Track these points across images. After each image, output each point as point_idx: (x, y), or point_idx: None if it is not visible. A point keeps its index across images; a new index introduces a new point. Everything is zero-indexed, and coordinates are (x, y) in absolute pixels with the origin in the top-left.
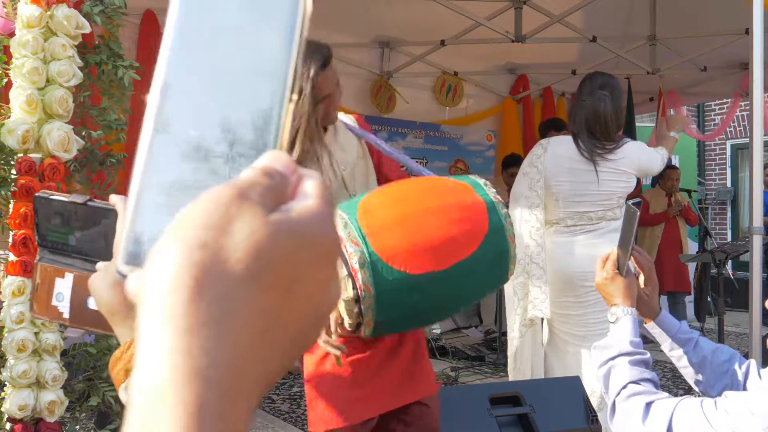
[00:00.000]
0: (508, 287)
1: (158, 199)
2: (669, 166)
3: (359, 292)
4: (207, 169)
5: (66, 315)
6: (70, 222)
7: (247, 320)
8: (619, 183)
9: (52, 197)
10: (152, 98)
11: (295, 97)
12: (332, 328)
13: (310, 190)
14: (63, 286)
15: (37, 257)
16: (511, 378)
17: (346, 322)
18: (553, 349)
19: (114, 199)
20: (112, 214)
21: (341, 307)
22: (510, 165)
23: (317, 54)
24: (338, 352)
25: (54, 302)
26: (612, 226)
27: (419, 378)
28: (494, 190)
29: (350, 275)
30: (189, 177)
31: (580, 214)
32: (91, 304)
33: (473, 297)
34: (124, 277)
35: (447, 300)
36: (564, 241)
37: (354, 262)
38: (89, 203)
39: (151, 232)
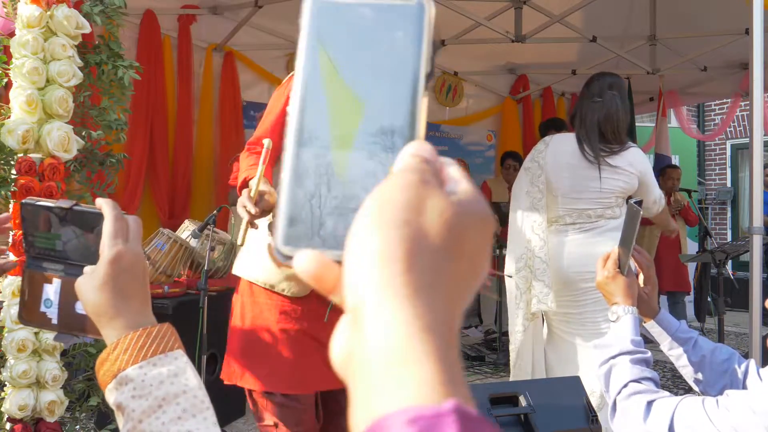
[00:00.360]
0: (510, 282)
1: (310, 188)
2: (670, 166)
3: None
4: (356, 160)
5: (54, 321)
6: (58, 228)
7: (448, 285)
8: (618, 182)
9: (38, 203)
10: (295, 101)
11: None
12: (253, 197)
13: (456, 175)
14: (51, 292)
15: (25, 264)
16: (512, 374)
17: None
18: (553, 347)
19: (100, 202)
20: (98, 218)
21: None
22: (508, 158)
23: None
24: (247, 217)
25: (42, 308)
26: (610, 225)
27: None
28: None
29: None
30: (339, 169)
31: (579, 212)
32: (79, 308)
33: None
34: (287, 257)
35: None
36: (562, 239)
37: None
38: (75, 208)
39: (306, 217)
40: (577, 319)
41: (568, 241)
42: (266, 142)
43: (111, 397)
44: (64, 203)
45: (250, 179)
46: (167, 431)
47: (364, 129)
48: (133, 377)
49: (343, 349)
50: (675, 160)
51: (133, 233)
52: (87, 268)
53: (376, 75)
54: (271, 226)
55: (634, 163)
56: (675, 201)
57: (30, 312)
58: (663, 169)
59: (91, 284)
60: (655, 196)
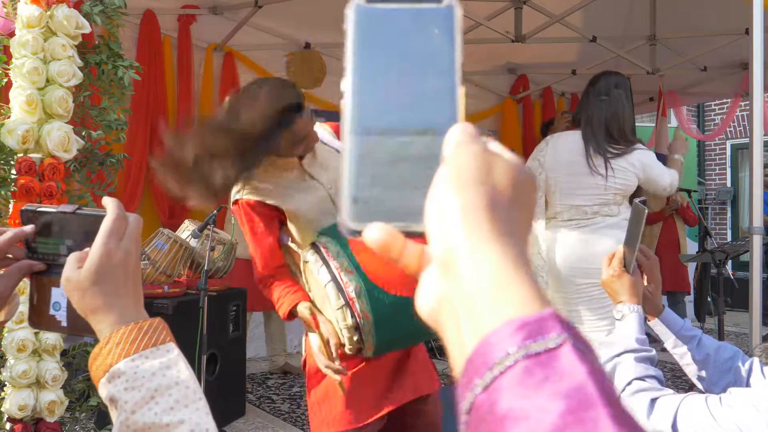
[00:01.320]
0: None
1: (369, 171)
2: None
3: (358, 320)
4: (408, 144)
5: (64, 323)
6: (61, 232)
7: (519, 228)
8: (616, 179)
9: (39, 210)
10: (349, 95)
11: None
12: (333, 354)
13: (499, 148)
14: (59, 295)
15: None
16: None
17: (347, 348)
18: None
19: (106, 201)
20: (102, 220)
21: (342, 334)
22: None
23: (290, 99)
24: (339, 378)
25: (51, 311)
26: (607, 223)
27: (419, 374)
28: None
29: (348, 304)
30: (394, 152)
31: (575, 208)
32: None
33: None
34: (356, 232)
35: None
36: (556, 235)
37: (350, 291)
38: (78, 212)
39: (369, 196)
40: (572, 317)
41: (564, 237)
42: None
43: (104, 391)
44: (68, 208)
45: (296, 306)
46: (160, 421)
47: (413, 117)
48: (125, 370)
49: (433, 297)
50: None
51: (130, 232)
52: (71, 260)
53: (420, 70)
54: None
55: (635, 163)
56: (673, 201)
57: (40, 316)
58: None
59: (80, 281)
60: (665, 184)
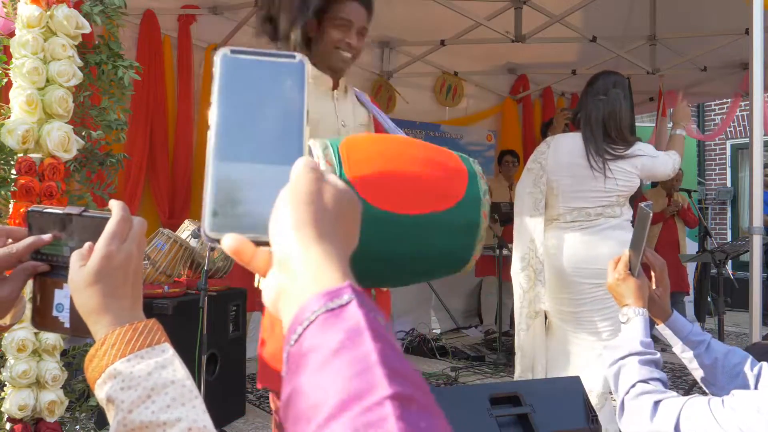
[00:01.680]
0: (514, 280)
1: (227, 191)
2: None
3: None
4: (261, 171)
5: (67, 325)
6: (66, 233)
7: (339, 234)
8: (618, 181)
9: (45, 211)
10: (213, 127)
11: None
12: None
13: (334, 178)
14: (62, 297)
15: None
16: (516, 372)
17: None
18: (554, 343)
19: (112, 203)
20: (107, 222)
21: None
22: (506, 155)
23: None
24: None
25: (54, 313)
26: (610, 224)
27: None
28: (480, 168)
29: None
30: (249, 178)
31: (578, 210)
32: None
33: (430, 261)
34: (214, 240)
35: (400, 251)
36: (561, 237)
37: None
38: (84, 214)
39: (226, 210)
40: (575, 318)
41: (567, 239)
42: None
43: (100, 392)
44: (74, 209)
45: None
46: (157, 419)
47: (266, 149)
48: (121, 370)
49: (273, 290)
50: None
51: (133, 234)
52: (74, 259)
53: (274, 111)
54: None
55: (637, 164)
56: (674, 202)
57: (43, 317)
58: None
59: (79, 281)
60: (668, 171)
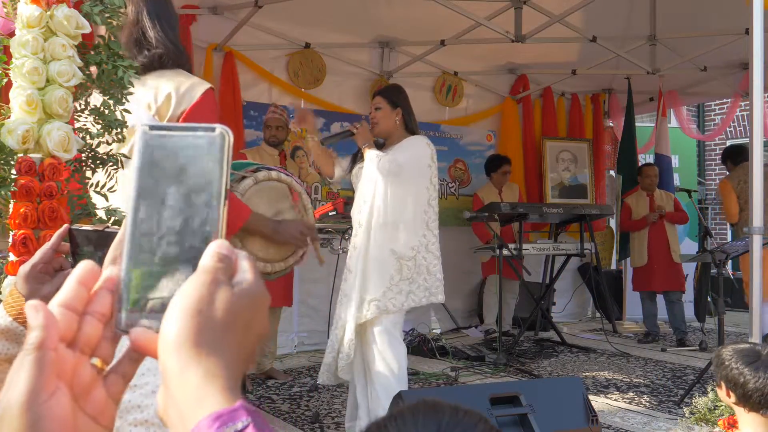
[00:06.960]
0: None
1: (145, 284)
2: (646, 164)
3: None
4: (173, 257)
5: None
6: (95, 246)
7: (229, 345)
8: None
9: (81, 228)
10: (128, 209)
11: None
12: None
13: (246, 266)
14: None
15: None
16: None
17: None
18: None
19: None
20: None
21: None
22: (504, 164)
23: None
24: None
25: None
26: None
27: None
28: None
29: None
30: (158, 266)
31: None
32: None
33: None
34: (125, 332)
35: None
36: None
37: None
38: (107, 230)
39: (139, 306)
40: None
41: None
42: None
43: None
44: (99, 227)
45: None
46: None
47: (180, 242)
48: None
49: (162, 402)
50: (675, 160)
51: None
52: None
53: (192, 187)
54: None
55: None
56: (658, 207)
57: None
58: (640, 168)
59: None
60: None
